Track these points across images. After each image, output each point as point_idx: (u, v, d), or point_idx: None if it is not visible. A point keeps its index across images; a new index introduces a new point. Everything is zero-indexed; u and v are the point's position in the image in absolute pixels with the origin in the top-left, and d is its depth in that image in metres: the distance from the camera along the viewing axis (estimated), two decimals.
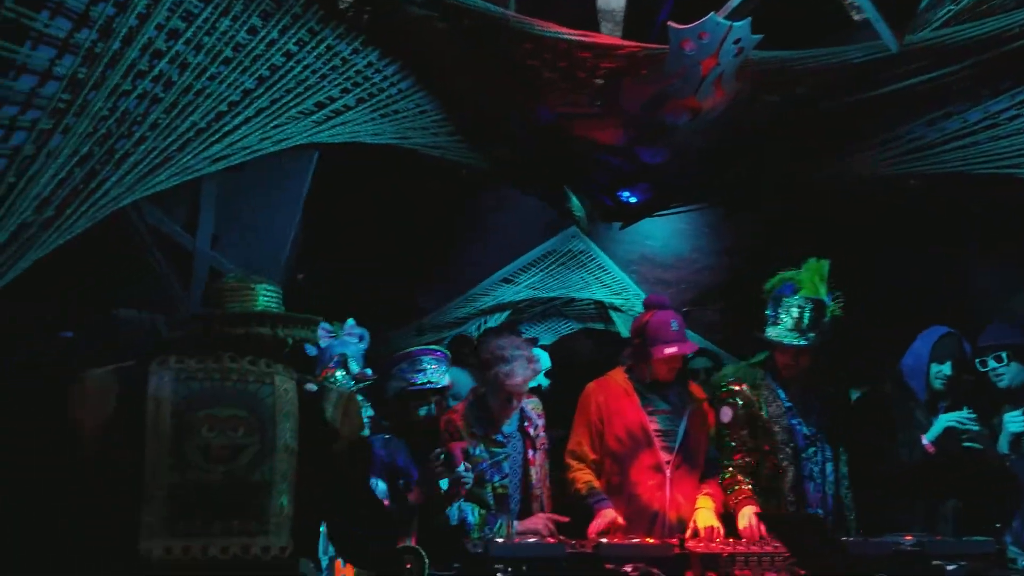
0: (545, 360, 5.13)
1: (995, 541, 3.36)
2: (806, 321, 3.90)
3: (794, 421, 3.99)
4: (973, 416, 3.91)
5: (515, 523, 3.74)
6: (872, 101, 4.30)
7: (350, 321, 3.98)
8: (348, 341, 3.92)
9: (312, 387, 2.50)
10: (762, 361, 4.11)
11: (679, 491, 3.93)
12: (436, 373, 3.95)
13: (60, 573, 2.33)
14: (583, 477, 3.92)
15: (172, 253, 3.95)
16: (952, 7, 4.05)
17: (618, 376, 4.10)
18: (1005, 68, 3.99)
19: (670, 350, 3.92)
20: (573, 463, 3.97)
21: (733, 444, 3.99)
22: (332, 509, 2.52)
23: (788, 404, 4.01)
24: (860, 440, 4.04)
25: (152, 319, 3.80)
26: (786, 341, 3.93)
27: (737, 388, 4.03)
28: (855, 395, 4.45)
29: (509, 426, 3.89)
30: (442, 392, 3.97)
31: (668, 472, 3.93)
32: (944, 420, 3.94)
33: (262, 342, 2.45)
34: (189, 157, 3.49)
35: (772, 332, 3.97)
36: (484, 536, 3.59)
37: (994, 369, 4.03)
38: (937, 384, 4.05)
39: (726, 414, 4.01)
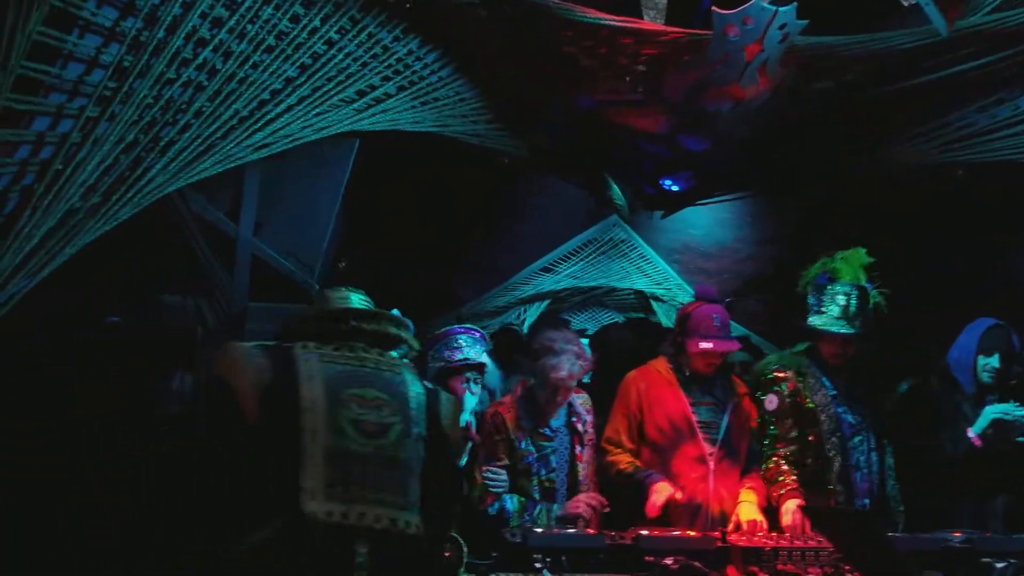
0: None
1: None
2: (853, 308, 3.84)
3: (839, 409, 3.93)
4: (1022, 411, 3.83)
5: (555, 507, 3.72)
6: (920, 88, 4.22)
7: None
8: None
9: (428, 384, 2.69)
10: (805, 350, 4.05)
11: (722, 484, 3.86)
12: (472, 350, 3.94)
13: (227, 529, 2.39)
14: (625, 458, 3.86)
15: (215, 240, 4.00)
16: None
17: (660, 365, 4.05)
18: None
19: (705, 345, 3.84)
20: (611, 448, 3.93)
21: (777, 433, 3.92)
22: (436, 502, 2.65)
23: (833, 392, 3.95)
24: (904, 435, 3.98)
25: (196, 304, 3.84)
26: (834, 329, 3.86)
27: (783, 375, 3.97)
28: (901, 389, 4.36)
29: (557, 420, 3.85)
30: (479, 368, 3.97)
31: (712, 464, 3.87)
32: (990, 412, 3.86)
33: (387, 338, 2.67)
34: (232, 145, 3.52)
35: (818, 321, 3.91)
36: (523, 523, 3.58)
37: None
38: (985, 377, 3.96)
39: (772, 402, 3.95)
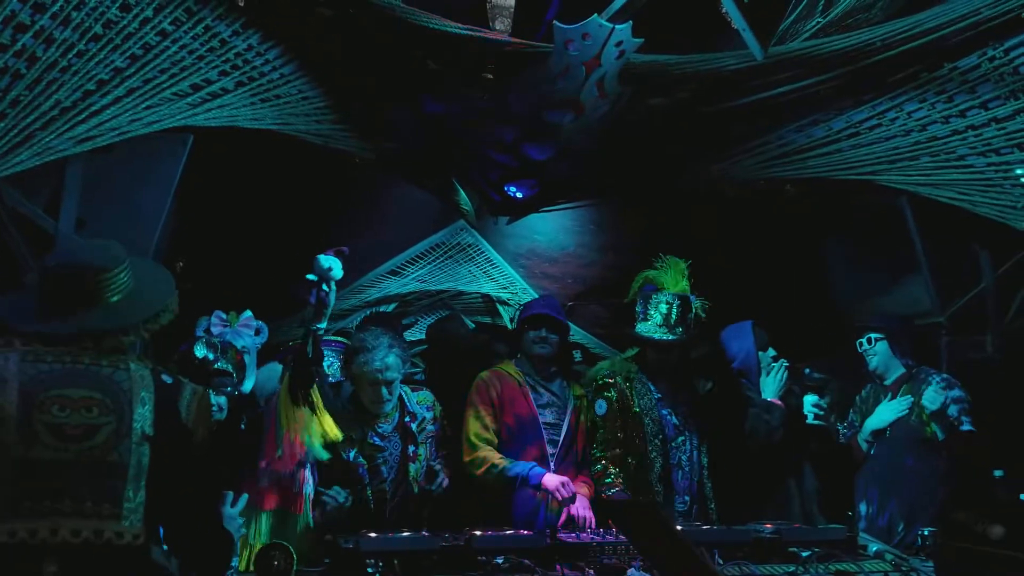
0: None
1: (847, 528, 3.53)
2: (674, 317, 4.06)
3: (664, 412, 4.13)
4: (822, 402, 4.18)
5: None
6: (746, 107, 4.46)
7: (247, 312, 3.87)
8: (243, 332, 3.80)
9: (167, 378, 2.38)
10: (635, 355, 4.24)
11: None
12: (334, 365, 3.90)
13: None
14: (496, 455, 3.94)
15: (32, 236, 3.76)
16: (820, 20, 4.26)
17: (510, 368, 4.18)
18: (867, 80, 4.20)
19: (531, 313, 4.12)
20: (480, 444, 3.97)
21: (606, 436, 4.08)
22: (171, 509, 2.36)
23: (658, 396, 4.14)
24: (719, 429, 4.21)
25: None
26: (656, 336, 4.07)
27: (612, 382, 4.14)
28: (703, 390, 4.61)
29: (387, 424, 3.84)
30: (335, 388, 3.91)
31: (552, 464, 4.01)
32: (774, 380, 4.22)
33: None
34: (52, 136, 3.35)
35: (642, 328, 4.12)
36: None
37: (866, 350, 4.33)
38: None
39: (601, 407, 4.12)
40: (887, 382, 4.32)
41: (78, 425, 2.20)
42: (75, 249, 2.41)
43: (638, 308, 4.16)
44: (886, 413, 4.24)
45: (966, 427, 3.96)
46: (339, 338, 4.16)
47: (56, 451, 2.16)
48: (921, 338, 4.51)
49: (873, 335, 4.31)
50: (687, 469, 4.09)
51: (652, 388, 4.16)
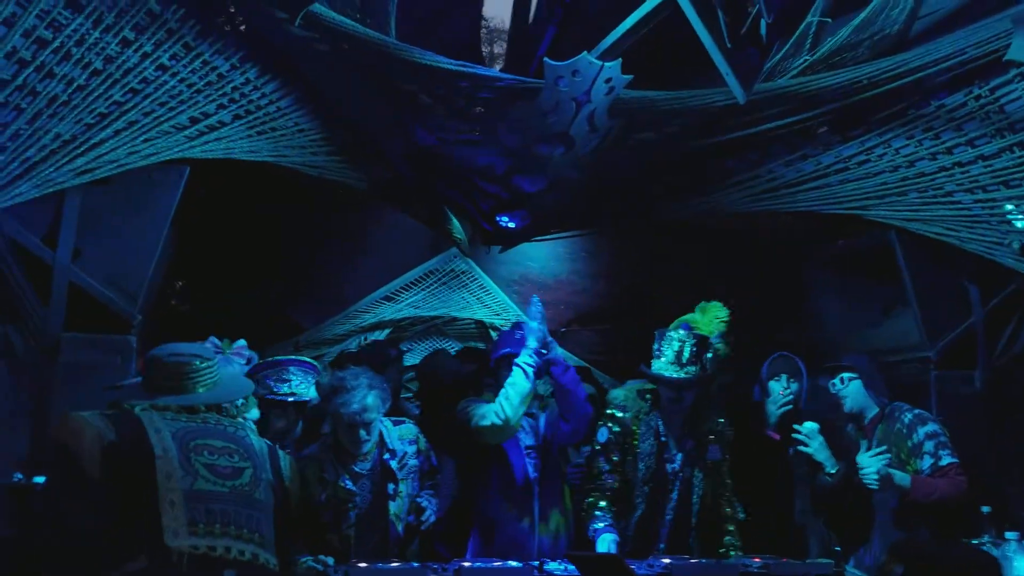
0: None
1: (836, 563, 3.53)
2: (686, 355, 3.91)
3: (665, 455, 4.01)
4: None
5: None
6: (734, 141, 4.51)
7: (241, 341, 3.89)
8: (233, 360, 3.81)
9: (268, 442, 2.87)
10: (653, 390, 4.10)
11: (546, 502, 4.00)
12: (302, 385, 3.90)
13: (96, 568, 2.50)
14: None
15: (29, 265, 3.81)
16: (808, 57, 4.34)
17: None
18: (855, 116, 4.27)
19: (503, 352, 4.03)
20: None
21: (603, 466, 4.03)
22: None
23: (664, 439, 4.02)
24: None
25: (5, 332, 3.66)
26: (666, 374, 3.93)
27: (620, 415, 4.03)
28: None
29: (363, 464, 3.71)
30: (301, 407, 3.92)
31: (536, 487, 4.01)
32: (772, 408, 4.27)
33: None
34: (52, 169, 3.42)
35: (655, 366, 3.97)
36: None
37: (839, 391, 4.13)
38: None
39: (603, 435, 4.02)
40: (865, 422, 4.12)
41: (226, 466, 2.65)
42: (178, 345, 2.88)
43: (654, 346, 4.01)
44: (867, 464, 3.93)
45: (945, 461, 3.86)
46: (306, 358, 4.16)
47: (214, 485, 2.59)
48: (892, 375, 4.44)
49: (846, 375, 4.10)
50: (670, 516, 3.98)
51: (662, 429, 4.01)
